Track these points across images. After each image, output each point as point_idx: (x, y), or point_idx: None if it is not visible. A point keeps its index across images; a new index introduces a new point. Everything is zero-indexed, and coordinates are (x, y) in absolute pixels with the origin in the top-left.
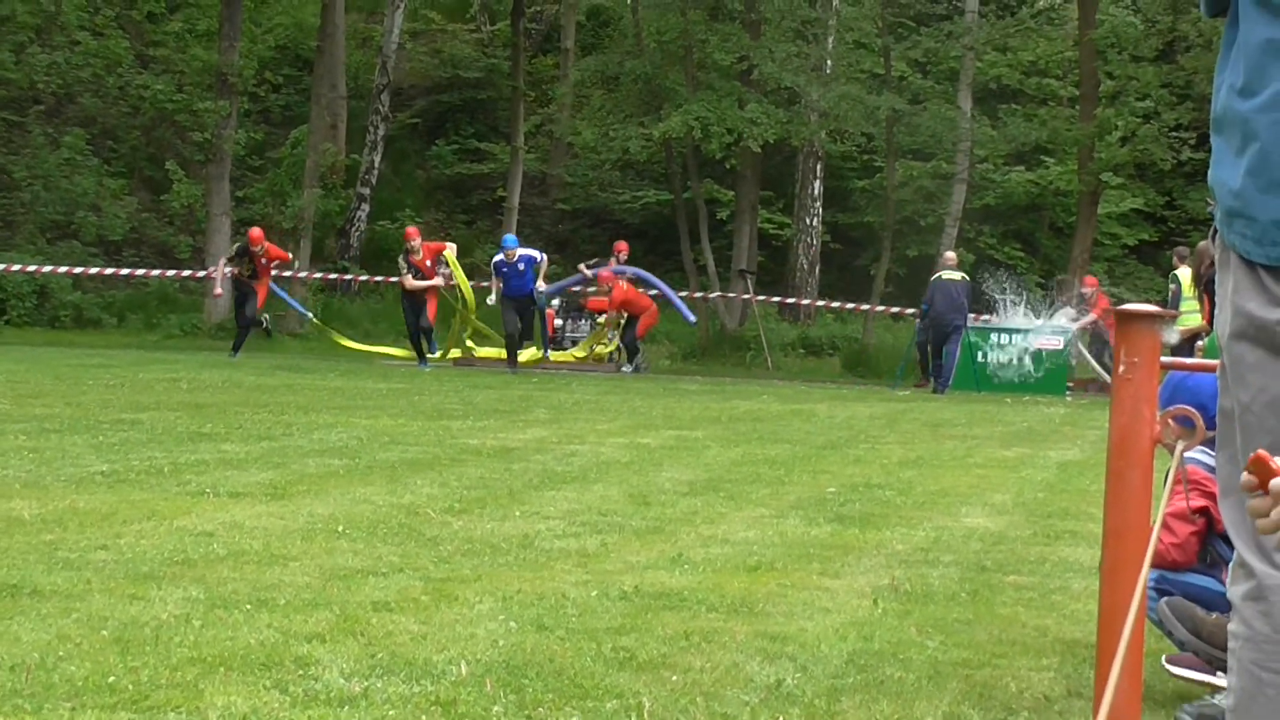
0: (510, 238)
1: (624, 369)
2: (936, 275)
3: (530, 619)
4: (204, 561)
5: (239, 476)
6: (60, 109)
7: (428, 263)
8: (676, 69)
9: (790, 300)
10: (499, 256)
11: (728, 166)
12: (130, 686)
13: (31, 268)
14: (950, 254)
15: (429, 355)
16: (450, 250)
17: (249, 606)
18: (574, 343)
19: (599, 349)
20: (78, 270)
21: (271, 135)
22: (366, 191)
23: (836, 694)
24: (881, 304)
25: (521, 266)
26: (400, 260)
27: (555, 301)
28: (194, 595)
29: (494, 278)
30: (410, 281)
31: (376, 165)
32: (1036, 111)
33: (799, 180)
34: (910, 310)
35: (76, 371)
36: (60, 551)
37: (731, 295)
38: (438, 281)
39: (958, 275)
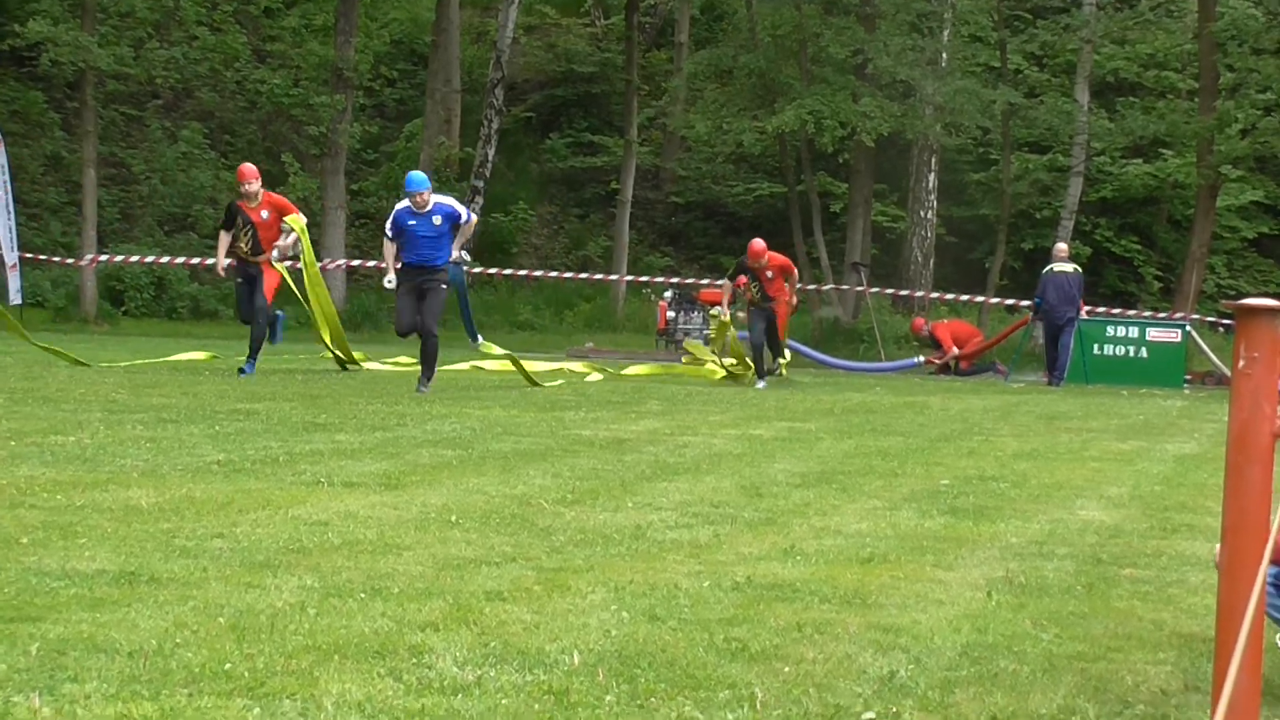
0: (417, 175)
1: (759, 385)
2: (1048, 268)
3: (643, 609)
4: (319, 550)
5: (353, 466)
6: (178, 103)
7: (263, 214)
8: (790, 63)
9: (904, 293)
10: (401, 206)
11: (841, 160)
12: (246, 674)
13: (149, 259)
14: (1062, 245)
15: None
16: (298, 219)
17: (363, 595)
18: (685, 335)
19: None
20: (195, 262)
21: (386, 129)
22: (481, 184)
23: (950, 686)
24: (996, 296)
25: (437, 220)
26: (228, 211)
27: (668, 293)
28: (309, 584)
29: (386, 245)
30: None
31: (490, 159)
32: (1155, 104)
33: (913, 173)
34: (1025, 303)
35: (193, 362)
36: (177, 540)
37: (845, 288)
38: (273, 254)
39: (1069, 267)
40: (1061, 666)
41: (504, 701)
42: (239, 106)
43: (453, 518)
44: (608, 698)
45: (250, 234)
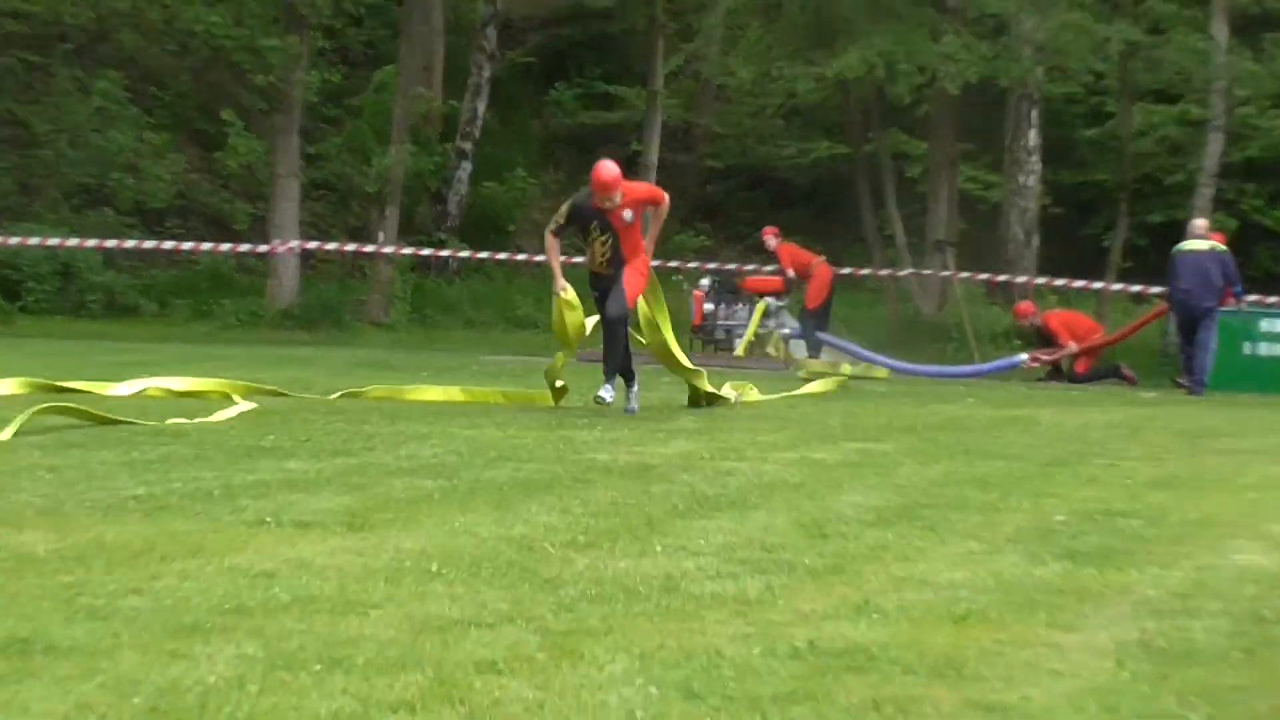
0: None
1: (601, 393)
2: (1178, 247)
3: (676, 683)
4: (263, 610)
5: (307, 502)
6: (91, 48)
7: (626, 214)
8: None
9: (1001, 278)
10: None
11: (919, 113)
12: None
13: (54, 242)
14: (1200, 220)
15: None
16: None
17: (319, 667)
18: (728, 334)
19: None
20: (110, 244)
21: (351, 79)
22: (469, 147)
23: None
24: (1118, 282)
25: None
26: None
27: (704, 281)
28: (250, 653)
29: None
30: None
31: (480, 115)
32: None
33: (1010, 130)
34: (1156, 290)
35: (108, 370)
36: (83, 597)
37: (927, 272)
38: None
39: (1207, 245)
40: None
41: None
42: (168, 51)
43: (434, 566)
44: None
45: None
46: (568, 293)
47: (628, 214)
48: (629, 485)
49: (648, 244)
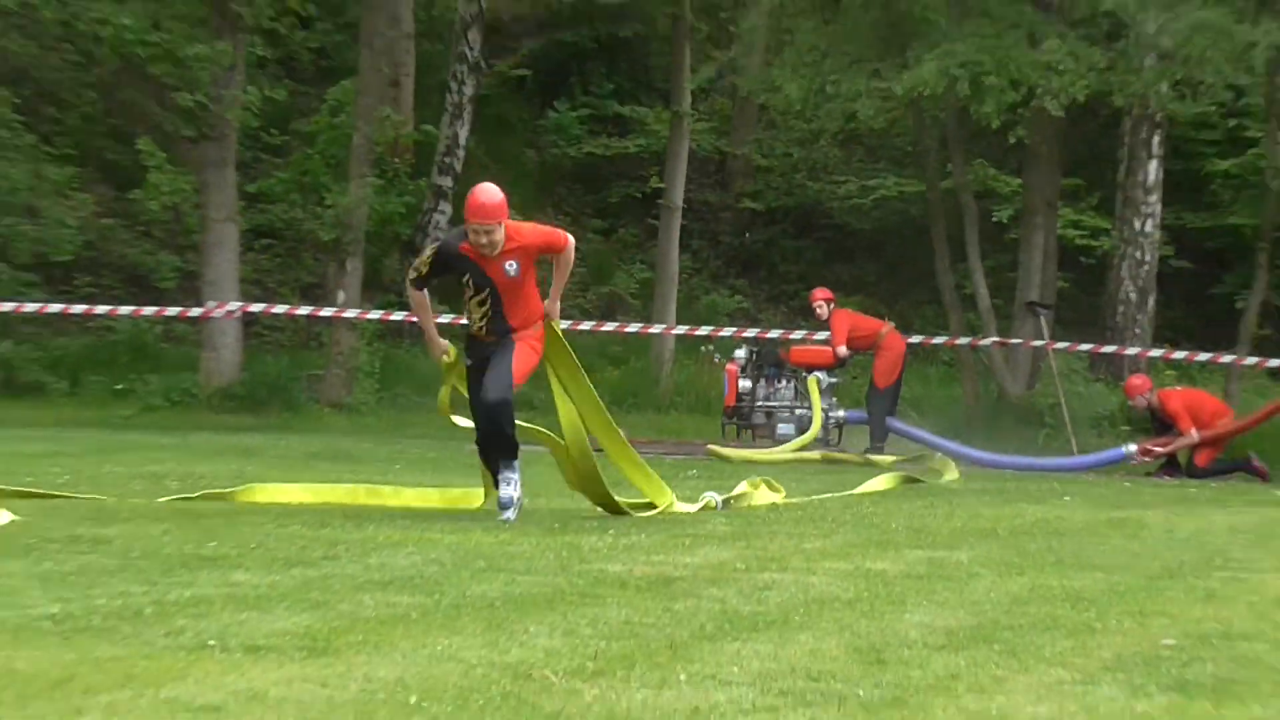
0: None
1: (504, 515)
2: None
3: None
4: None
5: (259, 621)
6: None
7: (508, 266)
8: None
9: (1108, 348)
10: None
11: (1011, 140)
12: None
13: None
14: None
15: None
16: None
17: None
18: (769, 416)
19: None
20: (6, 307)
21: (300, 96)
22: (448, 183)
23: None
24: (1253, 355)
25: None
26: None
27: (740, 353)
28: None
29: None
30: None
31: (462, 142)
32: None
33: (1125, 162)
34: None
35: (7, 463)
36: None
37: (1017, 341)
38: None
39: None
40: None
41: None
42: (69, 62)
43: (412, 699)
44: None
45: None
46: (450, 356)
47: (511, 266)
48: (647, 602)
49: (551, 304)
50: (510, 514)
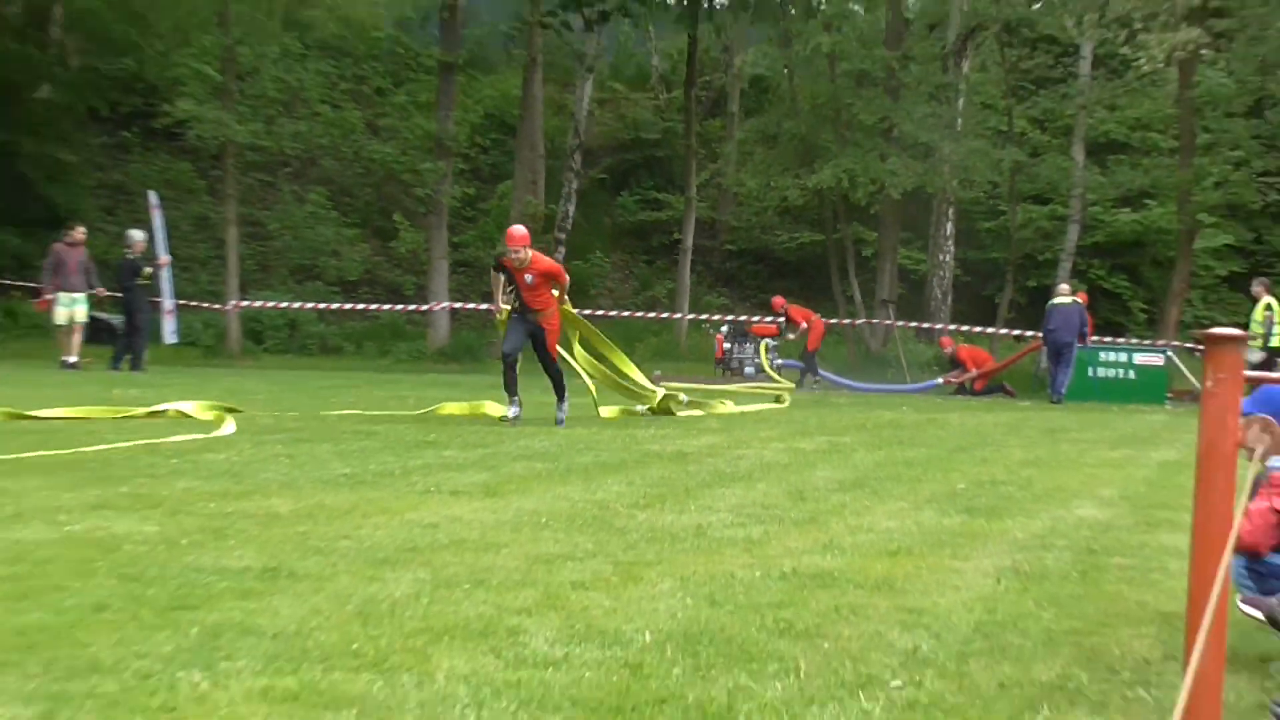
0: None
1: (509, 413)
2: (1051, 301)
3: (703, 595)
4: (430, 548)
5: (458, 478)
6: (305, 171)
7: (527, 278)
8: (827, 128)
9: (926, 325)
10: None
11: (871, 211)
12: (371, 652)
13: (284, 304)
14: (1064, 285)
15: None
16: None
17: (468, 586)
18: (739, 363)
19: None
20: (321, 306)
21: (481, 189)
22: (563, 236)
23: (965, 658)
24: (1005, 328)
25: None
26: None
27: (724, 328)
28: (422, 577)
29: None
30: None
31: (570, 214)
32: (1141, 161)
33: (934, 222)
34: (1030, 332)
35: (323, 391)
36: (311, 540)
37: (875, 321)
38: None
39: (1069, 300)
40: (1059, 640)
41: (587, 674)
42: (356, 173)
43: (543, 520)
44: (675, 670)
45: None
46: (502, 315)
47: (529, 278)
48: (673, 466)
49: (560, 298)
50: (562, 418)
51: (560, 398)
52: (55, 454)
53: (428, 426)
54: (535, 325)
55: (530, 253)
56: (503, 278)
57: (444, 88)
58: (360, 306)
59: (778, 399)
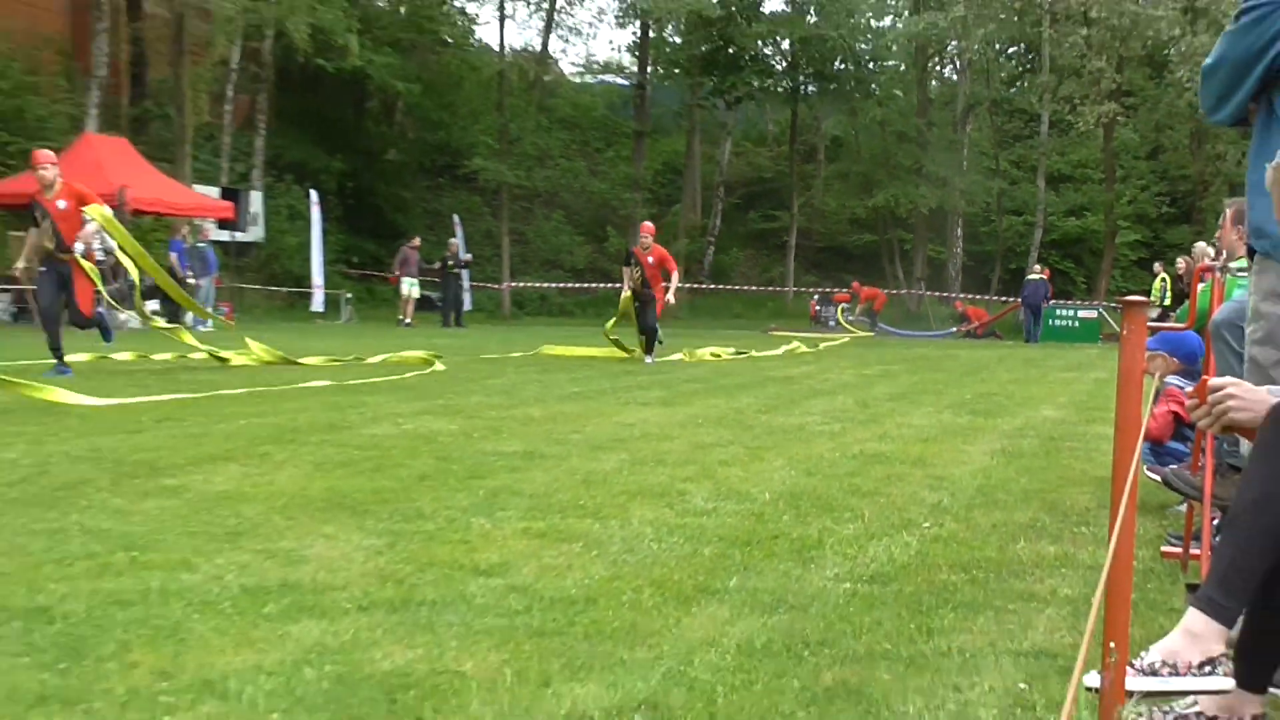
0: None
1: (647, 360)
2: (1027, 277)
3: (803, 469)
4: (629, 440)
5: (646, 394)
6: (551, 200)
7: (60, 204)
8: (880, 169)
9: (945, 294)
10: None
11: (909, 220)
12: (591, 505)
13: (537, 284)
14: (1036, 266)
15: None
16: (101, 209)
17: (652, 463)
18: (826, 320)
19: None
20: (560, 285)
21: (660, 210)
22: (712, 240)
23: (970, 508)
24: (996, 295)
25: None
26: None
27: (816, 297)
28: (623, 458)
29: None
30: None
31: (717, 226)
32: (1080, 187)
33: (949, 227)
34: (1012, 298)
35: (559, 339)
36: (554, 434)
37: (913, 292)
38: (77, 249)
39: (1038, 277)
40: (1031, 496)
41: (728, 520)
42: (582, 201)
43: (700, 421)
44: (784, 517)
45: (51, 227)
46: (627, 292)
47: (650, 259)
48: (782, 386)
49: (670, 287)
50: (651, 361)
51: (651, 348)
52: (395, 379)
53: (622, 367)
54: (650, 296)
55: (653, 242)
56: (632, 267)
57: (637, 146)
58: (585, 285)
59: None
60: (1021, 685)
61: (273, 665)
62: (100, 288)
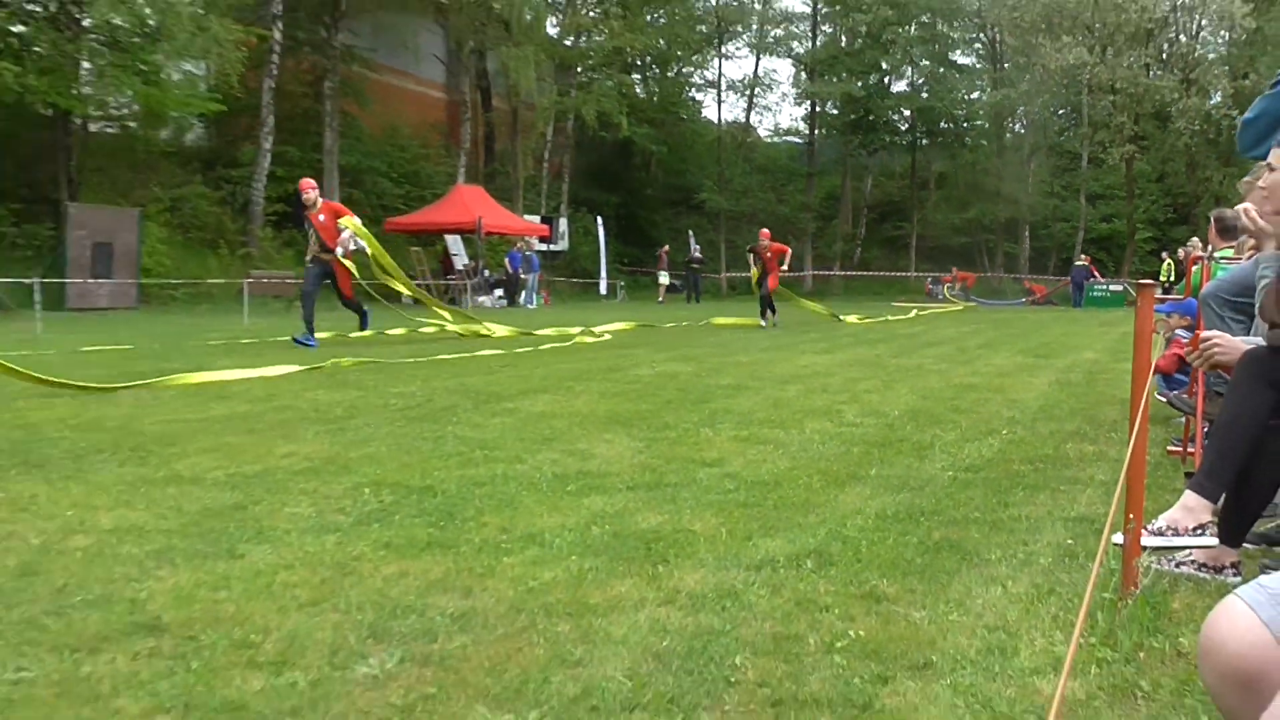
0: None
1: (761, 324)
2: (1074, 263)
3: (919, 395)
4: (803, 376)
5: (814, 345)
6: (751, 219)
7: (320, 217)
8: (972, 193)
9: (1018, 275)
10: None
11: (991, 226)
12: (777, 420)
13: (743, 274)
14: (1082, 256)
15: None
16: (352, 219)
17: (818, 391)
18: (935, 295)
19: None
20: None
21: (824, 225)
22: (859, 243)
23: (1034, 421)
24: (1053, 274)
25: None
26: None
27: (930, 278)
28: (799, 389)
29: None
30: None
31: (862, 233)
32: (1110, 201)
33: (1019, 230)
34: (1063, 277)
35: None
36: (756, 373)
37: (996, 274)
38: (339, 252)
39: (1083, 263)
40: (1077, 413)
41: (870, 430)
42: (772, 221)
43: (850, 363)
44: (907, 427)
45: (315, 235)
46: (753, 276)
47: (768, 254)
48: (906, 340)
49: (781, 270)
50: (768, 325)
51: (764, 314)
52: (647, 331)
53: (803, 324)
54: (766, 278)
55: (769, 242)
56: (755, 258)
57: (809, 183)
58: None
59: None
60: (1069, 541)
61: (572, 524)
62: (358, 279)
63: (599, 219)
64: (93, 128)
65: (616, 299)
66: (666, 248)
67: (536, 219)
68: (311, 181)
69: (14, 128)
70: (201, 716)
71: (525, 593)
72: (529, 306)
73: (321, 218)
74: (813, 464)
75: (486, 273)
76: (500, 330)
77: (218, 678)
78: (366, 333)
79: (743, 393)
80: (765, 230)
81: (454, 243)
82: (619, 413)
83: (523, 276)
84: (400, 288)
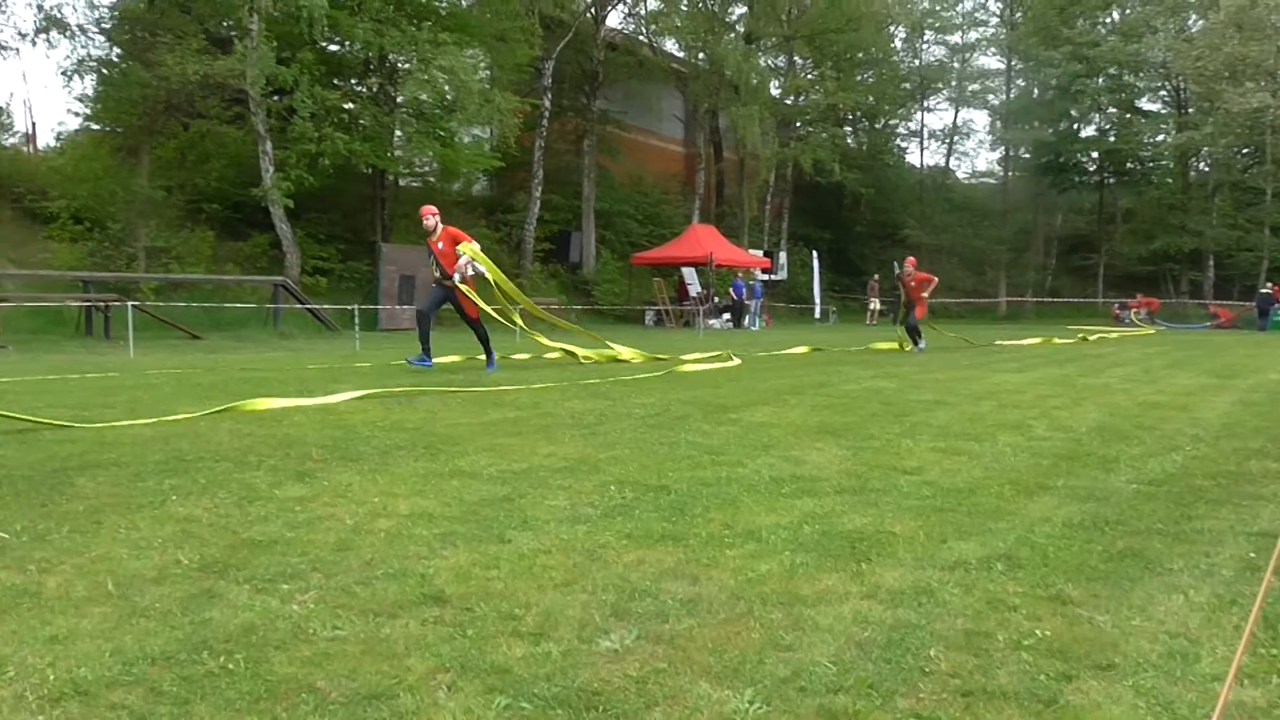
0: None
1: (918, 349)
2: (1259, 291)
3: (1105, 413)
4: (997, 393)
5: (1005, 364)
6: (950, 251)
7: (439, 245)
8: (1157, 226)
9: (1203, 302)
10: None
11: (1176, 257)
12: (973, 433)
13: (943, 301)
14: (1268, 284)
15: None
16: (471, 246)
17: (1010, 407)
18: (1121, 320)
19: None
20: (957, 301)
21: (1016, 255)
22: (1049, 272)
23: (1217, 439)
24: (1238, 300)
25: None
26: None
27: (1116, 305)
28: (993, 404)
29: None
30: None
31: (1053, 263)
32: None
33: (1203, 260)
34: (1249, 302)
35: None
36: (952, 390)
37: (1181, 301)
38: (456, 278)
39: (1267, 290)
40: (1260, 431)
41: (1058, 443)
42: (968, 252)
43: (1040, 381)
44: (1094, 442)
45: (434, 261)
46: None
47: (912, 284)
48: (1094, 360)
49: (926, 295)
50: (916, 350)
51: (914, 340)
52: (861, 356)
53: (995, 347)
54: (912, 306)
55: (914, 271)
56: (900, 288)
57: (1001, 220)
58: (968, 301)
59: (1083, 338)
60: (1252, 555)
61: (786, 523)
62: (480, 304)
63: (814, 252)
64: (401, 182)
65: (829, 321)
66: (877, 277)
67: (760, 253)
68: (433, 208)
69: (342, 184)
70: (474, 677)
71: (744, 582)
72: (753, 329)
73: (441, 245)
74: (1004, 474)
75: (716, 299)
76: (626, 353)
77: (488, 644)
78: (493, 372)
79: (940, 408)
80: (911, 259)
81: (689, 274)
82: (829, 424)
83: (746, 302)
84: (520, 314)
